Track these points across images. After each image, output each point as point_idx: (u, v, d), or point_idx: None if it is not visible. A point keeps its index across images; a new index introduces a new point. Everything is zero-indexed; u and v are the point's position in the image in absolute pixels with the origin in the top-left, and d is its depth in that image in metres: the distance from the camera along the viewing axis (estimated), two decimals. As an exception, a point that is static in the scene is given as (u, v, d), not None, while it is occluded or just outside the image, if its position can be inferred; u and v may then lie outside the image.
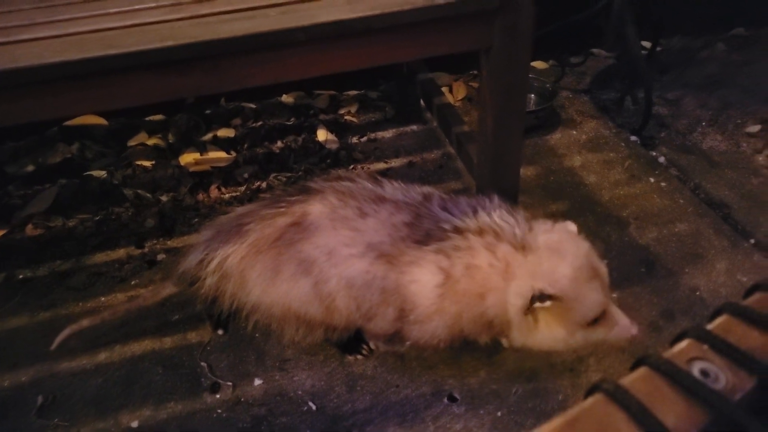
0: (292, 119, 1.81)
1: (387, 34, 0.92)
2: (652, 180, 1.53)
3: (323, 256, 0.94)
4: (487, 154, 1.18)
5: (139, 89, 0.92)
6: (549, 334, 0.88)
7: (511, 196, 1.17)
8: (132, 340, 1.17)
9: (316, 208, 0.97)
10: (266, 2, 0.98)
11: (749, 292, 0.42)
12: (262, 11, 0.95)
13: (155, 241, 1.40)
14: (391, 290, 0.92)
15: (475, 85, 1.92)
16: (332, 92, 1.92)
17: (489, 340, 0.99)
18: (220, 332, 1.17)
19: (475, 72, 1.96)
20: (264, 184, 1.56)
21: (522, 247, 0.88)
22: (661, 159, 1.61)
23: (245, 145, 1.70)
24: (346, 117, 1.83)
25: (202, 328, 1.19)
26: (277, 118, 1.81)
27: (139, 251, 1.38)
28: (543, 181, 1.54)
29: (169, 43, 0.87)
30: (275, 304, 1.00)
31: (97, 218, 1.47)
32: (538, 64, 2.01)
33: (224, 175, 1.59)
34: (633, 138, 1.68)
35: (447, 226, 0.92)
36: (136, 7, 1.03)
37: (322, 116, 1.82)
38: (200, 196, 1.53)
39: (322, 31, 0.90)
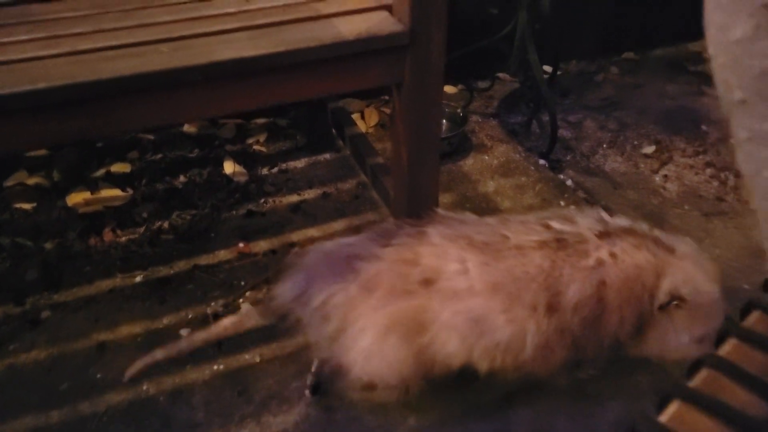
0: (196, 151, 1.69)
1: (293, 71, 0.86)
2: (562, 203, 1.57)
3: (469, 323, 0.84)
4: (402, 187, 1.15)
5: (11, 136, 0.80)
6: (674, 339, 0.90)
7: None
8: (9, 416, 1.01)
9: (451, 267, 0.86)
10: (157, 36, 0.89)
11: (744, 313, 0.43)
12: (152, 47, 0.86)
13: (38, 296, 1.24)
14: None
15: (388, 110, 1.90)
16: (239, 121, 1.82)
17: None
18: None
19: (387, 97, 1.93)
20: (166, 224, 1.43)
21: (668, 248, 0.90)
22: (569, 182, 1.66)
23: (143, 181, 1.56)
24: (255, 147, 1.74)
25: (97, 396, 1.05)
26: (179, 149, 1.68)
27: (19, 309, 1.21)
28: (459, 209, 1.53)
29: (42, 84, 0.76)
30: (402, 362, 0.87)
31: (-33, 273, 1.28)
32: (448, 89, 2.03)
33: (120, 216, 1.45)
34: (542, 161, 1.72)
35: (590, 233, 0.89)
36: (4, 40, 0.90)
37: (228, 147, 1.72)
38: (92, 241, 1.38)
39: (221, 70, 0.82)
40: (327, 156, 1.71)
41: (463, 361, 0.87)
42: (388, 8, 0.94)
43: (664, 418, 0.37)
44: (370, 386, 0.90)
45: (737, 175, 1.67)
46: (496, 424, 1.02)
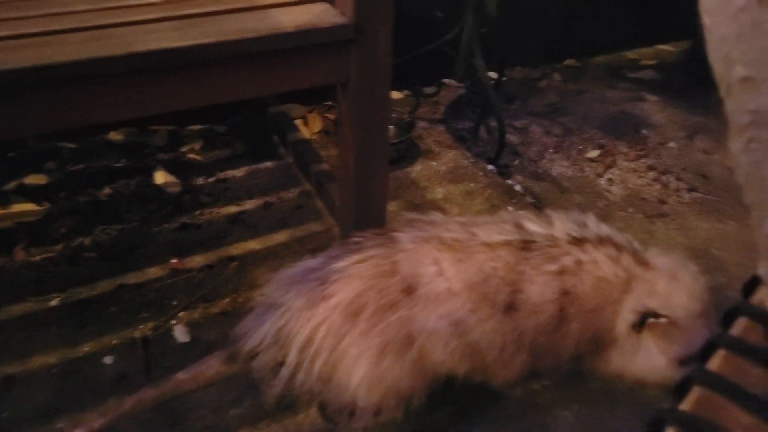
0: (123, 160, 1.56)
1: (227, 67, 0.78)
2: (510, 209, 1.54)
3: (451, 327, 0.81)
4: (349, 194, 1.08)
5: None
6: (648, 361, 0.84)
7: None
8: None
9: (429, 270, 0.82)
10: (68, 25, 0.79)
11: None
12: (59, 36, 0.75)
13: (-66, 327, 1.08)
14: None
15: (332, 116, 1.82)
16: (172, 127, 1.70)
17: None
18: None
19: (331, 103, 1.86)
20: (88, 241, 1.30)
21: (643, 262, 0.84)
22: (518, 187, 1.63)
23: (62, 194, 1.41)
24: (190, 155, 1.62)
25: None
26: (105, 159, 1.54)
27: None
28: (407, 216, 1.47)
29: None
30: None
31: None
32: (394, 95, 1.98)
33: (34, 232, 1.30)
34: (490, 167, 1.69)
35: (563, 238, 0.84)
36: None
37: (160, 155, 1.60)
38: (0, 261, 1.23)
39: (141, 63, 0.72)
40: (268, 164, 1.62)
41: (449, 367, 0.84)
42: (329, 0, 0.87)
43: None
44: (376, 414, 0.84)
45: (678, 178, 1.70)
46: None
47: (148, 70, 0.74)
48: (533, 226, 0.88)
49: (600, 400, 1.00)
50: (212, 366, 0.87)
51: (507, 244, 0.84)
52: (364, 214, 1.08)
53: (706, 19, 0.36)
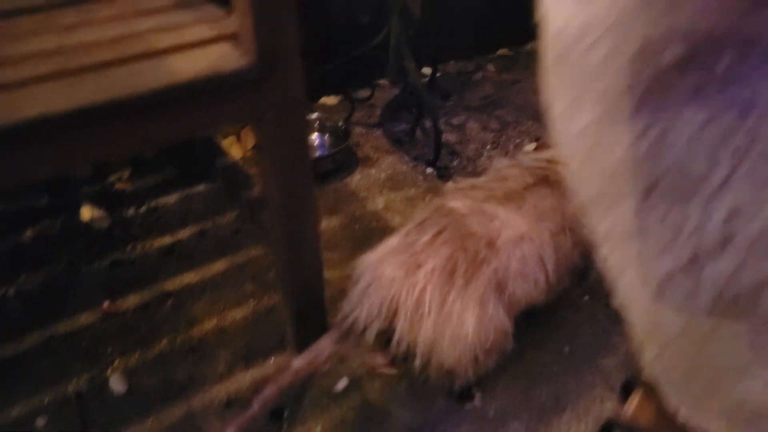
0: (46, 198, 1.48)
1: (121, 121, 0.74)
2: (452, 212, 1.54)
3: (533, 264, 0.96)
4: (278, 226, 1.05)
5: None
6: None
7: (311, 266, 1.06)
8: None
9: (496, 224, 0.96)
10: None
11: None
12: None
13: None
14: None
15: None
16: (96, 155, 1.62)
17: None
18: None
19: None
20: (12, 290, 1.23)
21: None
22: (458, 188, 1.63)
23: (-20, 242, 1.34)
24: (118, 185, 1.56)
25: None
26: (25, 199, 1.47)
27: None
28: (348, 232, 1.45)
29: None
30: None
31: None
32: (328, 101, 1.94)
33: (-49, 288, 1.23)
34: (429, 170, 1.69)
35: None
36: None
37: (86, 188, 1.53)
38: None
39: (19, 132, 0.68)
40: (201, 188, 1.57)
41: (533, 299, 0.98)
42: (232, 38, 0.83)
43: None
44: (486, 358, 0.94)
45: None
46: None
47: (38, 134, 0.70)
48: (529, 161, 1.07)
49: (549, 408, 1.02)
50: (325, 348, 0.93)
51: (536, 182, 1.01)
52: (296, 244, 1.06)
53: (556, 140, 0.36)
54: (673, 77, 0.28)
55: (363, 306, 0.91)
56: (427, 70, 2.01)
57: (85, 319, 1.20)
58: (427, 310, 0.88)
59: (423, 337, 0.89)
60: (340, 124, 1.74)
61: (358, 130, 1.84)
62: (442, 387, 1.02)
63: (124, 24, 0.91)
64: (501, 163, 1.10)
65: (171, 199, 1.53)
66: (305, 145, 0.93)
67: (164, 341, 1.15)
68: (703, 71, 0.28)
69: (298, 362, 0.92)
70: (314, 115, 1.74)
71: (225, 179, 1.44)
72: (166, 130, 0.77)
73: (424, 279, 0.89)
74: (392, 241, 0.97)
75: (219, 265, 1.33)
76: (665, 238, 0.32)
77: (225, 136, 1.67)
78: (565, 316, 1.20)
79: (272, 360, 1.11)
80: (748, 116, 0.29)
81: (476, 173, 1.70)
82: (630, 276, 0.36)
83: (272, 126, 0.87)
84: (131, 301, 1.24)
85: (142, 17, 0.94)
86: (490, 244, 0.93)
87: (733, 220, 0.30)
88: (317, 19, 1.73)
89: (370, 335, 0.92)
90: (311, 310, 1.10)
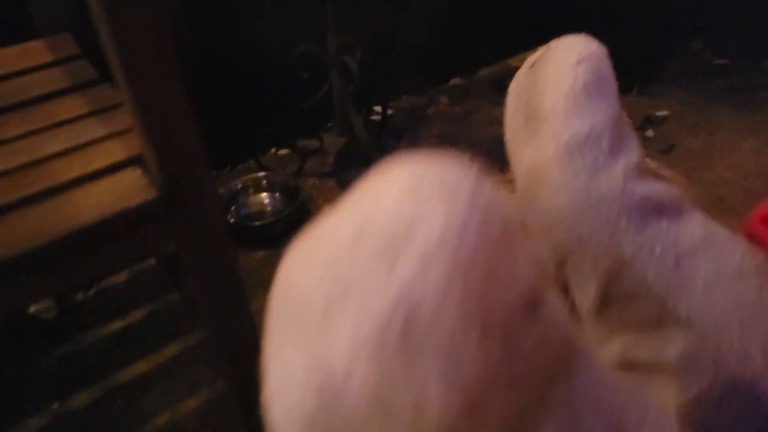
0: (-11, 291, 1.45)
1: (17, 273, 0.72)
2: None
3: None
4: (211, 331, 1.04)
5: None
6: None
7: (250, 358, 1.04)
8: None
9: None
10: None
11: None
12: None
13: None
14: None
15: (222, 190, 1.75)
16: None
17: None
18: None
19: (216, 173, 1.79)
20: (-43, 400, 1.20)
21: None
22: (412, 239, 1.63)
23: None
24: (65, 266, 1.52)
25: None
26: (-32, 293, 1.43)
27: None
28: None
29: None
30: None
31: None
32: (280, 153, 1.92)
33: None
34: (383, 220, 1.68)
35: None
36: None
37: (31, 274, 1.49)
38: None
39: None
40: (151, 261, 1.55)
41: None
42: (141, 161, 0.82)
43: None
44: None
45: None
46: None
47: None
48: None
49: None
50: None
51: None
52: (232, 343, 1.03)
53: None
54: None
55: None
56: (378, 109, 2.00)
57: (34, 424, 1.17)
58: None
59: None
60: (291, 179, 1.72)
61: (311, 182, 1.82)
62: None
63: (32, 147, 0.88)
64: None
65: (120, 277, 1.50)
66: (234, 276, 0.91)
67: (116, 443, 1.14)
68: None
69: None
70: (262, 174, 1.72)
71: (169, 260, 1.42)
72: (73, 273, 0.75)
73: None
74: None
75: (170, 350, 1.31)
76: None
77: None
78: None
79: (226, 455, 1.10)
80: None
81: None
82: None
83: (189, 258, 0.85)
84: (82, 399, 1.22)
85: (52, 134, 0.91)
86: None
87: None
88: (258, 76, 1.71)
89: None
90: (259, 401, 1.09)
